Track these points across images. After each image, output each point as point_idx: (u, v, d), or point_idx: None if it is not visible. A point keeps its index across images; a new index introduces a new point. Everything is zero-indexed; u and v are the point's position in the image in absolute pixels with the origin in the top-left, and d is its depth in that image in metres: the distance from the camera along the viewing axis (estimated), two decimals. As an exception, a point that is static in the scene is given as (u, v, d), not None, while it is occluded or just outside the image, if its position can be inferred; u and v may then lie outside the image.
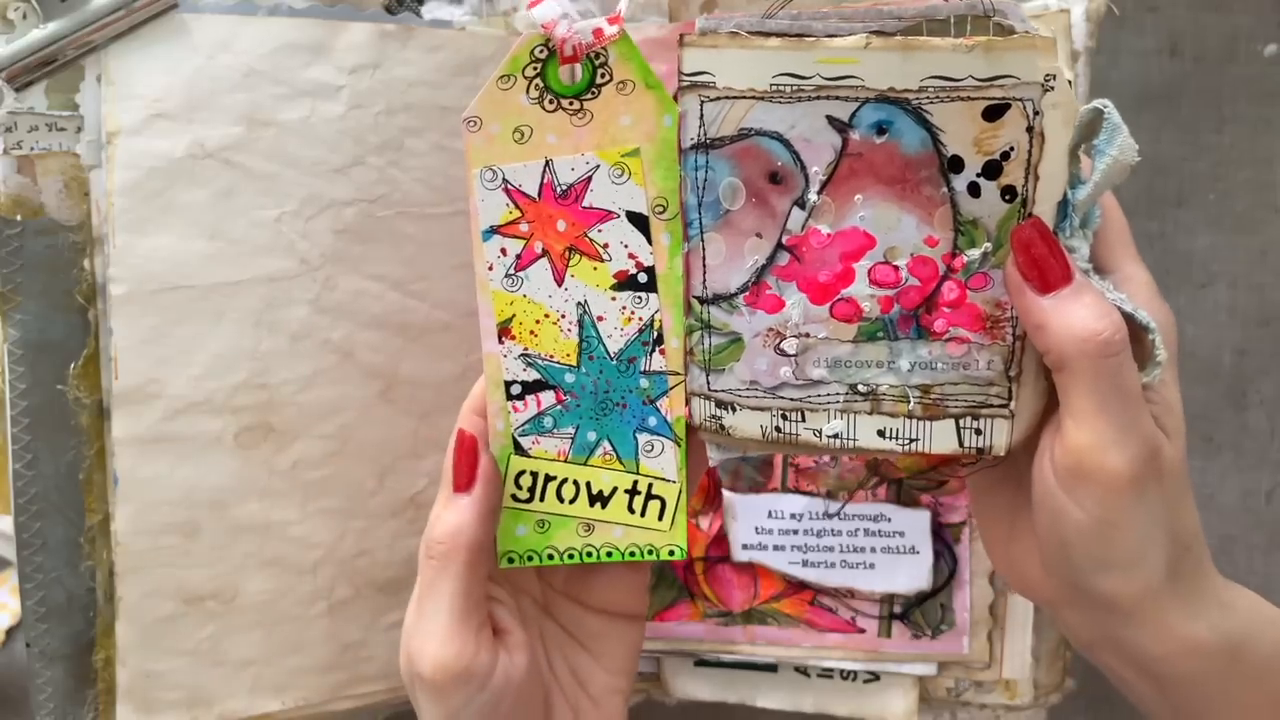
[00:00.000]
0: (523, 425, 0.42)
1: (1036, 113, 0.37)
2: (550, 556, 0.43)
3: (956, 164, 0.38)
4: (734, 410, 0.41)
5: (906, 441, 0.40)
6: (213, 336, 0.49)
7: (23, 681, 0.52)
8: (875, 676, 0.57)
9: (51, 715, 0.49)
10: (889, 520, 0.56)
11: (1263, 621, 0.40)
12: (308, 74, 0.50)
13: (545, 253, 0.41)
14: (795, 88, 0.38)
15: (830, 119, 0.38)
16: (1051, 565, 0.40)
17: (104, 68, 0.47)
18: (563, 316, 0.42)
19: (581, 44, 0.39)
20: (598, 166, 0.40)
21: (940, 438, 0.40)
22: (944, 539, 0.56)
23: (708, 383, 0.41)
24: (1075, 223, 0.38)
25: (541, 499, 0.43)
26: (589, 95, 0.40)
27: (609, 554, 0.43)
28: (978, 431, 0.40)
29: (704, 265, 0.40)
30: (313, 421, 0.51)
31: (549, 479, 0.43)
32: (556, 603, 0.46)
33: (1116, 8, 0.52)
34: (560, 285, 0.41)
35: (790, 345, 0.40)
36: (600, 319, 0.42)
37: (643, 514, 0.43)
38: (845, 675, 0.58)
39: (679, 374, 0.42)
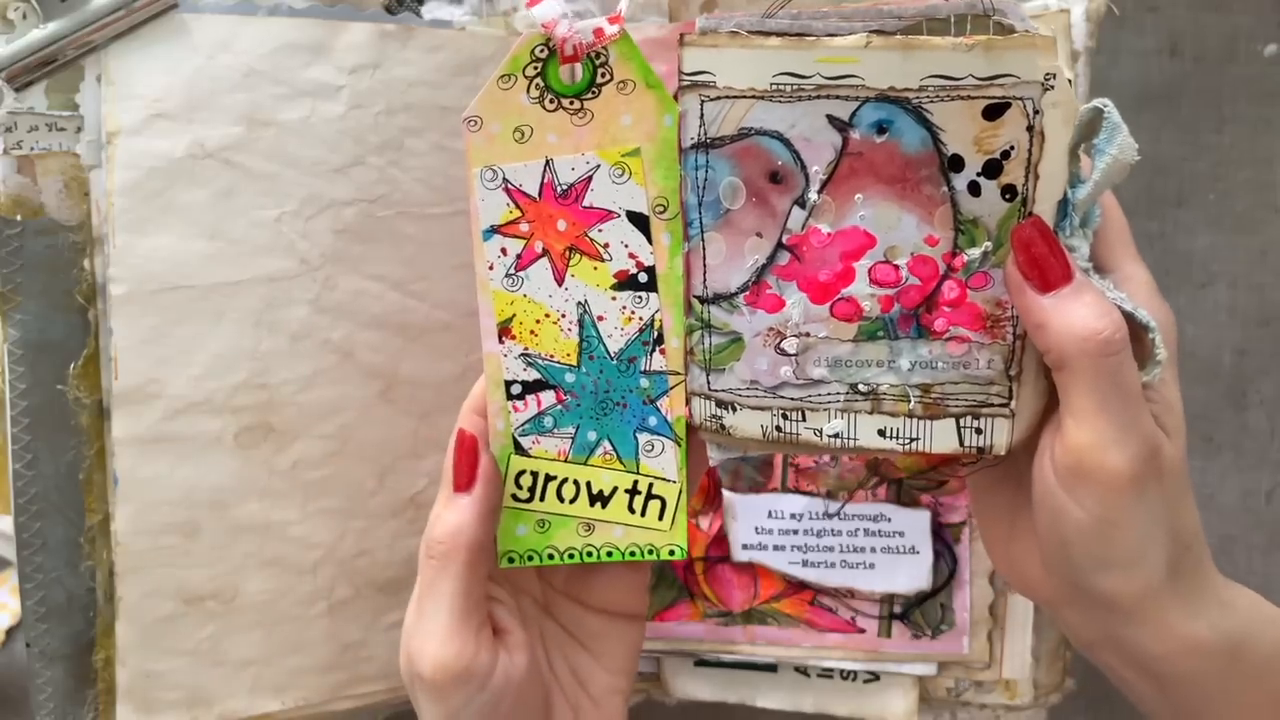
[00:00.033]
0: (523, 425, 0.42)
1: (1036, 112, 0.37)
2: (550, 556, 0.43)
3: (957, 163, 0.38)
4: (734, 410, 0.41)
5: (907, 441, 0.40)
6: (213, 336, 0.49)
7: (23, 681, 0.52)
8: (875, 676, 0.57)
9: (51, 715, 0.49)
10: (889, 520, 0.56)
11: (1263, 621, 0.40)
12: (308, 74, 0.50)
13: (545, 252, 0.41)
14: (795, 87, 0.38)
15: (830, 118, 0.38)
16: (1052, 564, 0.40)
17: (104, 68, 0.47)
18: (563, 316, 0.42)
19: (582, 43, 0.39)
20: (598, 166, 0.40)
21: (941, 437, 0.40)
22: (944, 539, 0.56)
23: (708, 382, 0.41)
24: (1075, 222, 0.38)
25: (542, 499, 0.43)
26: (589, 95, 0.40)
27: (609, 554, 0.43)
28: (978, 431, 0.40)
29: (704, 265, 0.40)
30: (313, 421, 0.51)
31: (549, 479, 0.43)
32: (557, 602, 0.46)
33: (1116, 8, 0.52)
34: (560, 285, 0.41)
35: (791, 345, 0.40)
36: (600, 319, 0.42)
37: (643, 514, 0.43)
38: (845, 675, 0.58)
39: (679, 374, 0.42)
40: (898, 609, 0.56)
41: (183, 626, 0.50)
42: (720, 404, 0.41)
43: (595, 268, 0.41)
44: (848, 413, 0.40)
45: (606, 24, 0.39)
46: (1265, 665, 0.40)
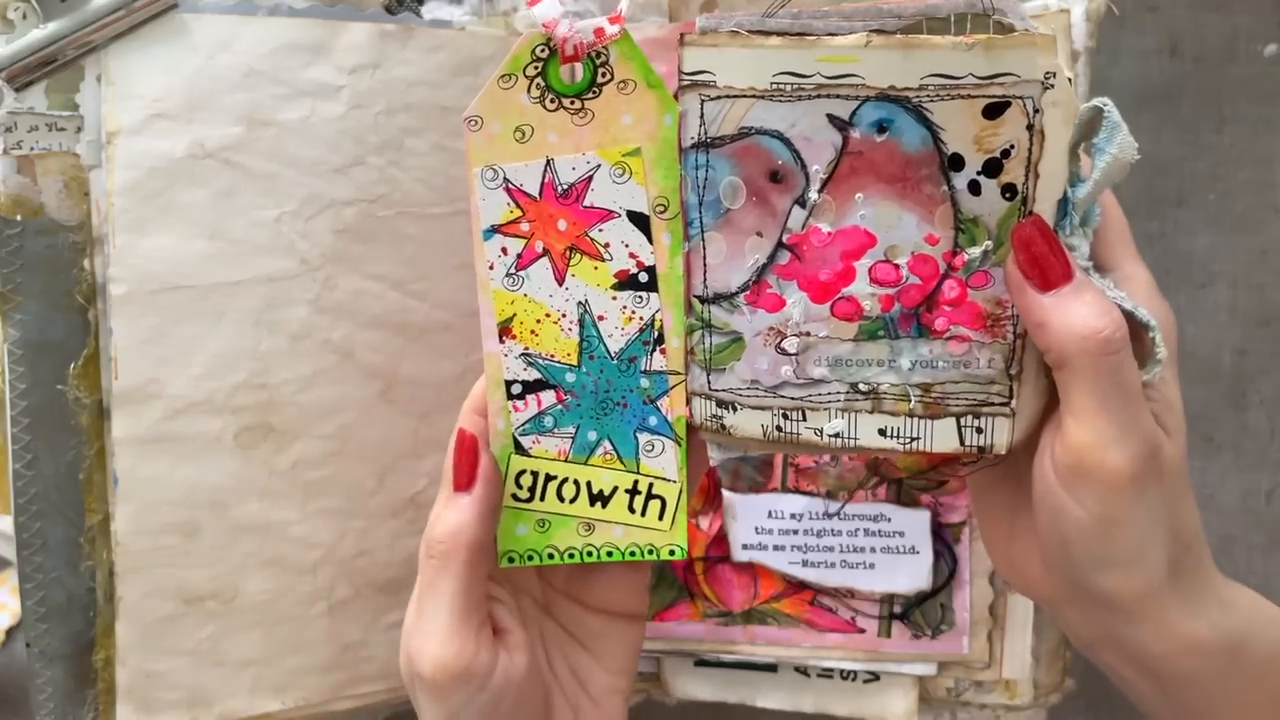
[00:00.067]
0: (523, 425, 0.42)
1: (1037, 110, 0.37)
2: (550, 556, 0.43)
3: (957, 162, 0.38)
4: (735, 409, 0.41)
5: (907, 440, 0.40)
6: (213, 336, 0.49)
7: (23, 681, 0.52)
8: (875, 676, 0.57)
9: (51, 715, 0.49)
10: (889, 520, 0.56)
11: (1263, 620, 0.40)
12: (308, 74, 0.50)
13: (546, 252, 0.41)
14: (796, 86, 0.38)
15: (831, 117, 0.38)
16: (1052, 563, 0.40)
17: (104, 68, 0.47)
18: (563, 316, 0.42)
19: (583, 43, 0.39)
20: (599, 166, 0.40)
21: (941, 436, 0.40)
22: (944, 539, 0.56)
23: (708, 382, 0.41)
24: (1075, 221, 0.38)
25: (542, 498, 0.43)
26: (590, 94, 0.40)
27: (609, 554, 0.43)
28: (979, 430, 0.40)
29: (705, 264, 0.40)
30: (313, 421, 0.51)
31: (549, 478, 0.43)
32: (557, 602, 0.46)
33: (1116, 8, 0.52)
34: (561, 285, 0.41)
35: (791, 344, 0.40)
36: (601, 318, 0.42)
37: (643, 514, 0.43)
38: (845, 675, 0.58)
39: (680, 373, 0.42)
40: (898, 609, 0.56)
41: (183, 626, 0.50)
42: (721, 404, 0.41)
43: (596, 267, 0.41)
44: (848, 412, 0.40)
45: (607, 24, 0.39)
46: (1265, 664, 0.40)
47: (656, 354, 0.42)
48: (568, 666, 0.45)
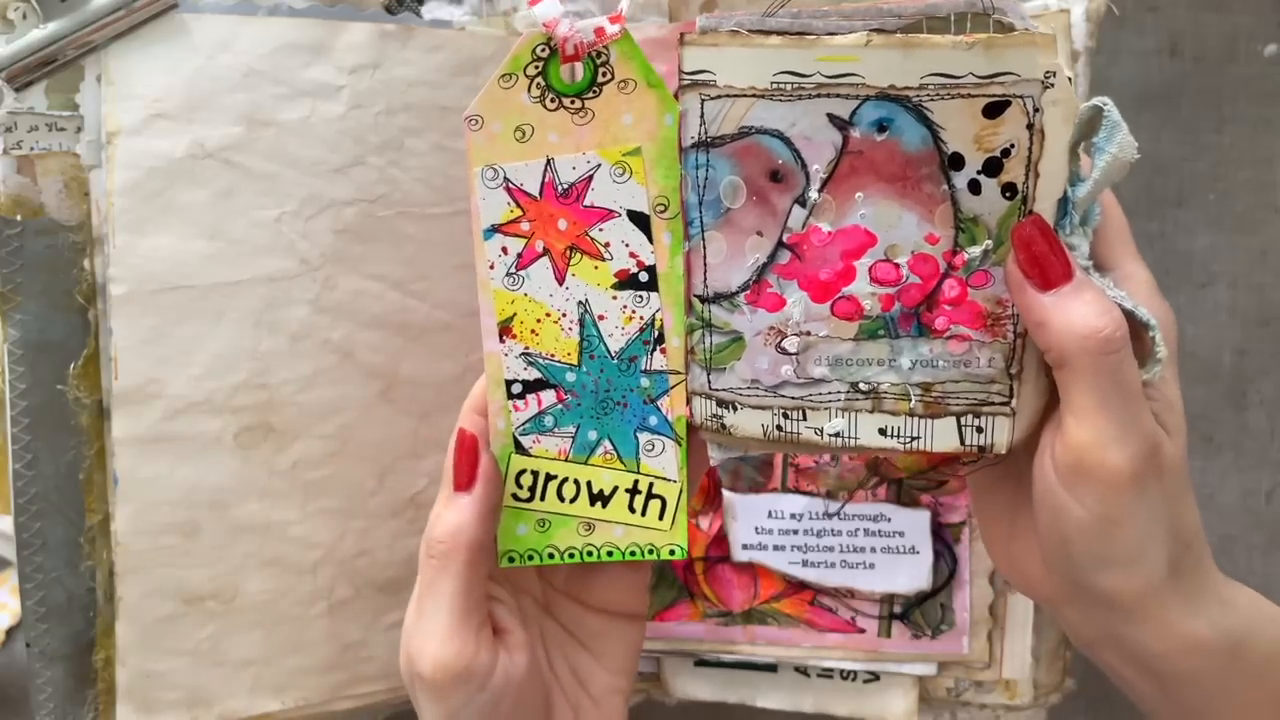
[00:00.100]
0: (524, 424, 0.42)
1: (1037, 109, 0.37)
2: (550, 556, 0.43)
3: (957, 161, 0.38)
4: (735, 409, 0.41)
5: (908, 440, 0.40)
6: (213, 336, 0.49)
7: (23, 681, 0.52)
8: (875, 676, 0.57)
9: (51, 715, 0.49)
10: (889, 520, 0.56)
11: (1263, 619, 0.40)
12: (308, 74, 0.50)
13: (546, 251, 0.41)
14: (796, 86, 0.38)
15: (831, 117, 0.38)
16: (1052, 563, 0.40)
17: (104, 68, 0.47)
18: (564, 315, 0.42)
19: (583, 43, 0.39)
20: (599, 165, 0.40)
21: (942, 436, 0.40)
22: (944, 539, 0.56)
23: (709, 381, 0.41)
24: (1075, 220, 0.38)
25: (542, 498, 0.43)
26: (590, 94, 0.40)
27: (609, 553, 0.43)
28: (979, 429, 0.40)
29: (705, 264, 0.40)
30: (313, 421, 0.51)
31: (550, 478, 0.43)
32: (557, 602, 0.46)
33: (1116, 8, 0.52)
34: (561, 284, 0.41)
35: (791, 344, 0.40)
36: (601, 318, 0.42)
37: (643, 513, 0.43)
38: (845, 675, 0.58)
39: (680, 373, 0.42)
40: (898, 609, 0.56)
41: (183, 626, 0.50)
42: (721, 403, 0.41)
43: (596, 267, 0.41)
44: (849, 412, 0.40)
45: (608, 23, 0.39)
46: (1265, 664, 0.40)
47: (657, 353, 0.42)
48: (568, 666, 0.45)
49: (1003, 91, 0.37)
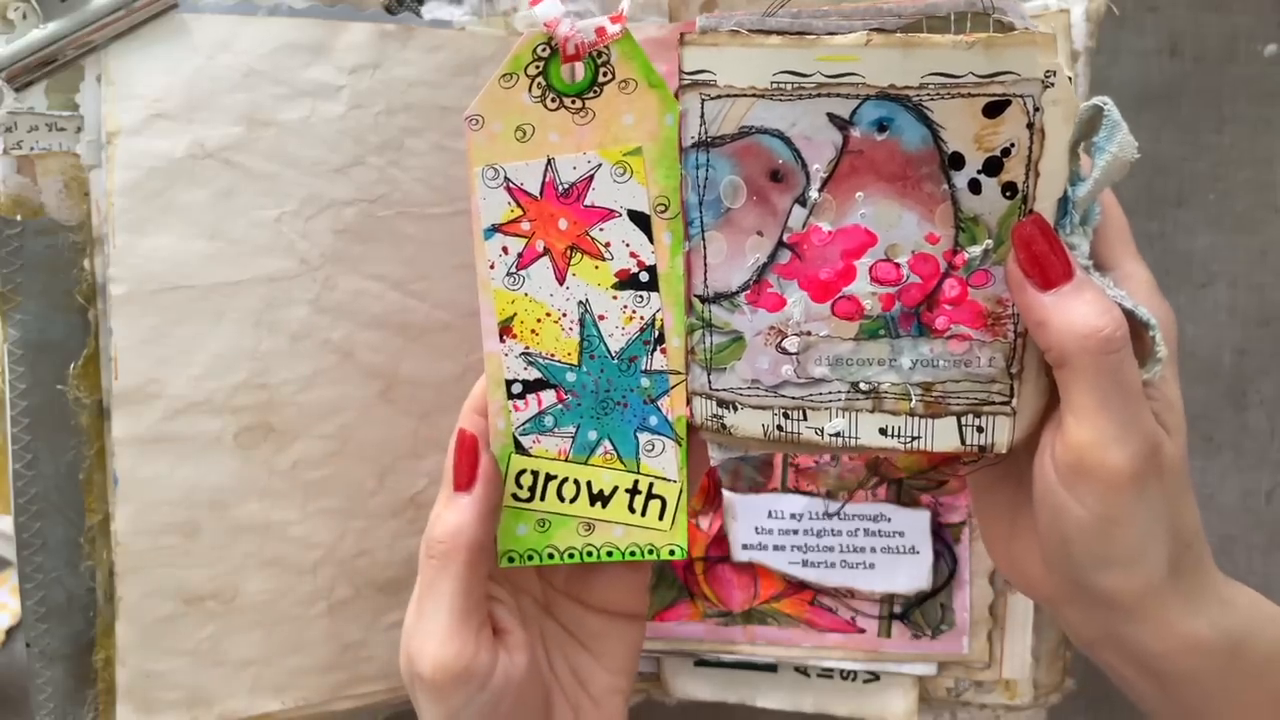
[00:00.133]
0: (524, 424, 0.42)
1: (1037, 109, 0.37)
2: (550, 556, 0.43)
3: (957, 161, 0.38)
4: (735, 409, 0.41)
5: (908, 439, 0.40)
6: (213, 336, 0.49)
7: (23, 681, 0.52)
8: (875, 676, 0.57)
9: (51, 715, 0.49)
10: (889, 520, 0.56)
11: (1263, 619, 0.40)
12: (308, 74, 0.50)
13: (547, 251, 0.41)
14: (796, 85, 0.38)
15: (831, 116, 0.38)
16: (1052, 562, 0.40)
17: (104, 68, 0.47)
18: (564, 315, 0.42)
19: (584, 43, 0.39)
20: (600, 165, 0.40)
21: (942, 435, 0.40)
22: (944, 539, 0.56)
23: (709, 382, 0.41)
24: (1075, 220, 0.38)
25: (542, 498, 0.43)
26: (591, 94, 0.40)
27: (609, 553, 0.43)
28: (979, 429, 0.40)
29: (705, 264, 0.40)
30: (313, 421, 0.51)
31: (549, 478, 0.43)
32: (557, 602, 0.46)
33: (1116, 8, 0.52)
34: (562, 284, 0.41)
35: (792, 343, 0.40)
36: (601, 318, 0.42)
37: (643, 513, 0.43)
38: (845, 675, 0.58)
39: (680, 373, 0.42)
40: (898, 609, 0.56)
41: (183, 626, 0.50)
42: (721, 403, 0.41)
43: (596, 267, 0.41)
44: (849, 411, 0.40)
45: (609, 23, 0.39)
46: (1265, 663, 0.40)
47: (657, 353, 0.42)
48: (568, 666, 0.45)
49: (1003, 91, 0.37)
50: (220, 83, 0.49)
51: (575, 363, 0.42)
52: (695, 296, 0.41)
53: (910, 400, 0.40)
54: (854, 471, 0.56)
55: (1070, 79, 0.37)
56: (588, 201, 0.41)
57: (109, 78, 0.47)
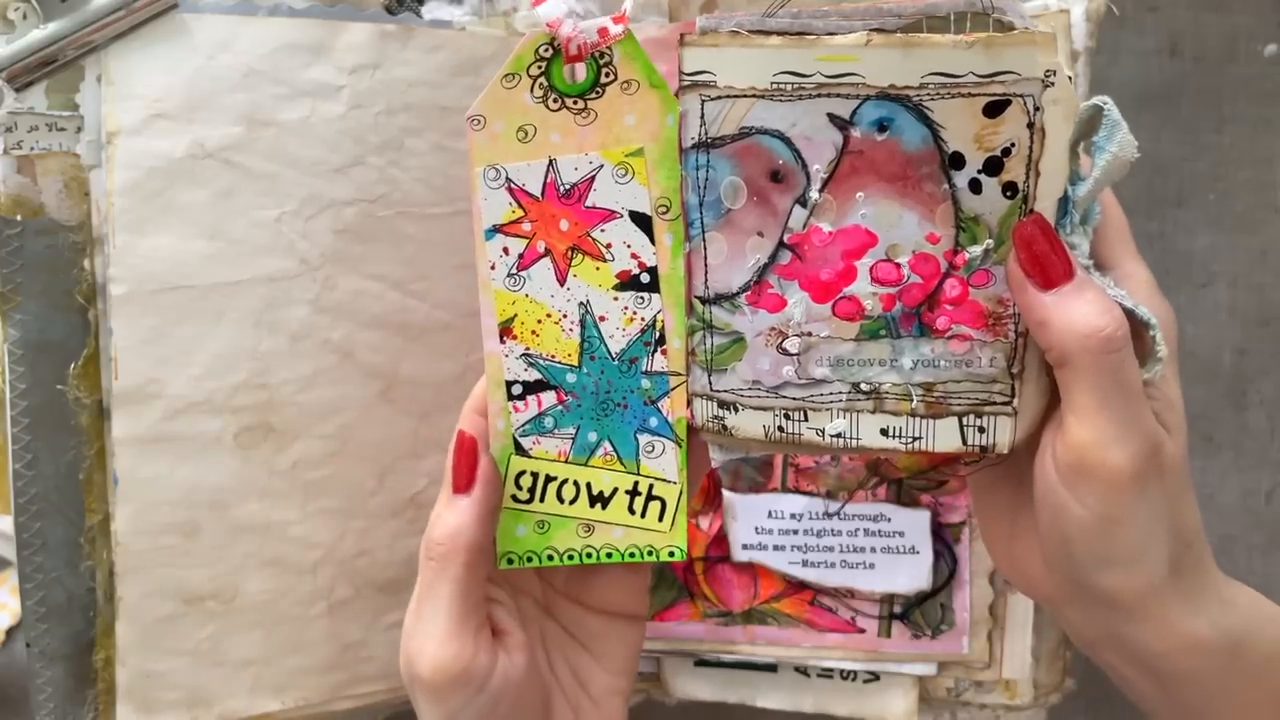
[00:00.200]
0: (523, 425, 0.42)
1: (1037, 108, 0.37)
2: (550, 557, 0.43)
3: (957, 160, 0.38)
4: (736, 410, 0.41)
5: (910, 440, 0.40)
6: (213, 336, 0.49)
7: (23, 681, 0.52)
8: (875, 676, 0.57)
9: (51, 715, 0.49)
10: (889, 520, 0.56)
11: (1263, 618, 0.40)
12: (308, 74, 0.50)
13: (548, 252, 0.41)
14: (796, 86, 0.38)
15: (831, 116, 0.38)
16: (1053, 562, 0.40)
17: (104, 68, 0.47)
18: (564, 316, 0.41)
19: (586, 43, 0.39)
20: (601, 166, 0.40)
21: (943, 436, 0.40)
22: (944, 539, 0.56)
23: (710, 383, 0.41)
24: (1076, 219, 0.38)
25: (541, 499, 0.43)
26: (593, 94, 0.40)
27: (609, 555, 0.43)
28: (981, 429, 0.40)
29: (705, 265, 0.40)
30: (313, 421, 0.51)
31: (549, 479, 0.43)
32: (557, 603, 0.46)
33: (1116, 8, 0.52)
34: (562, 285, 0.41)
35: (793, 344, 0.40)
36: (602, 319, 0.41)
37: (643, 515, 0.43)
38: (845, 675, 0.58)
39: (681, 374, 0.42)
40: (898, 609, 0.56)
41: (183, 626, 0.50)
42: (722, 404, 0.41)
43: (597, 268, 0.41)
44: (850, 412, 0.40)
45: (611, 24, 0.39)
46: (1265, 663, 0.40)
47: (657, 355, 0.42)
48: (568, 667, 0.45)
49: (1003, 90, 0.37)
50: (220, 83, 0.49)
51: (575, 364, 0.42)
52: (696, 297, 0.41)
53: (911, 401, 0.40)
54: (854, 471, 0.56)
55: (1070, 79, 0.37)
56: (589, 202, 0.41)
57: (109, 78, 0.47)
